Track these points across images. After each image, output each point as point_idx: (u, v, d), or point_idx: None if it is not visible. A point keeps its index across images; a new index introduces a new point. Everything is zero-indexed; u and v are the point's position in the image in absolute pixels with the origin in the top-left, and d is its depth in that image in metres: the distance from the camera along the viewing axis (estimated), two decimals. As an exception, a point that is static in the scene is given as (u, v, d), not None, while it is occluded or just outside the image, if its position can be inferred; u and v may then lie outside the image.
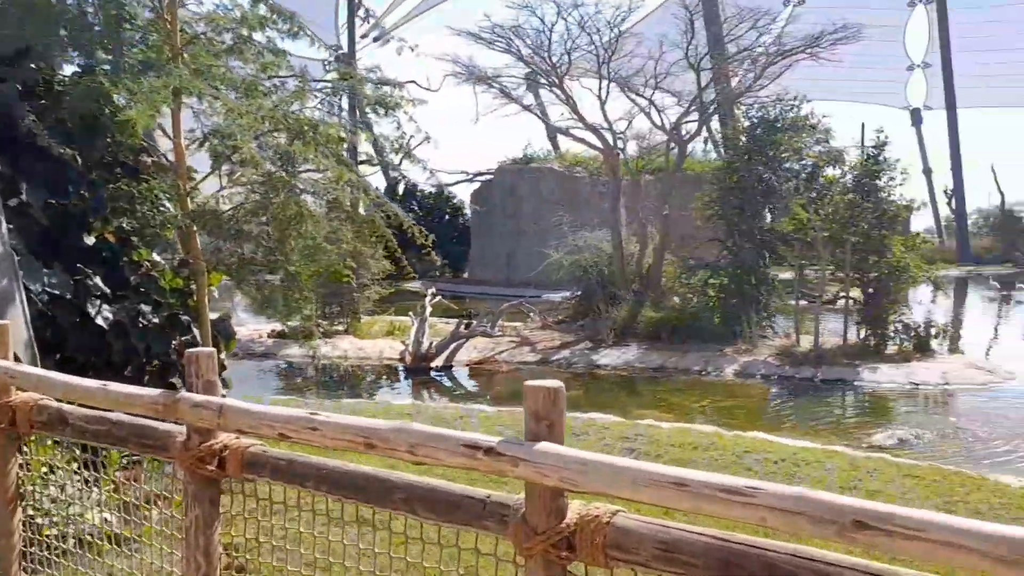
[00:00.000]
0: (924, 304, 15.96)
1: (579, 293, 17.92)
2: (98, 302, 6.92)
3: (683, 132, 17.37)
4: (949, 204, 50.90)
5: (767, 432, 8.81)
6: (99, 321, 6.85)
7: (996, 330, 20.67)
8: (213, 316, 7.90)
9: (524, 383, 2.12)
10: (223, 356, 7.98)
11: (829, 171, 16.21)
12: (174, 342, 7.55)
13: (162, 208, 7.21)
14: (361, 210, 9.60)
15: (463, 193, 37.47)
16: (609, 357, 14.38)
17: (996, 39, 54.63)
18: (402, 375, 13.97)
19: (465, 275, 35.52)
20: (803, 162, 16.99)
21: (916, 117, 57.53)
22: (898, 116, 58.95)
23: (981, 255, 49.05)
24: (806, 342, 14.38)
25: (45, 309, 6.53)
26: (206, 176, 7.44)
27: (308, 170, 7.57)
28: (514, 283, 29.47)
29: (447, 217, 37.99)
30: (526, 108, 18.03)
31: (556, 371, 13.93)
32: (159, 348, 7.39)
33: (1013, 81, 57.80)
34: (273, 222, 7.25)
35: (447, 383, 13.42)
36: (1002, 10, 54.83)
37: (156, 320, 7.41)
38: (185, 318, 7.64)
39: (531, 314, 17.60)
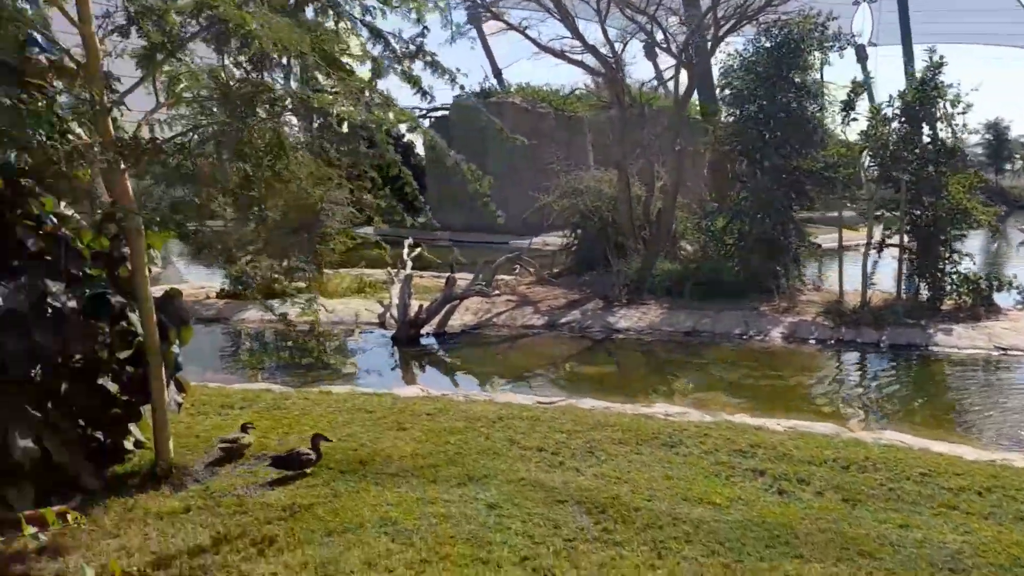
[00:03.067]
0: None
1: (575, 243, 15.69)
2: (-23, 280, 4.39)
3: (692, 54, 15.06)
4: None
5: (906, 432, 6.81)
6: (-21, 311, 4.34)
7: None
8: (155, 292, 5.44)
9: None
10: (176, 351, 5.54)
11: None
12: (101, 335, 5.07)
13: (70, 135, 4.66)
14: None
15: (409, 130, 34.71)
16: (628, 319, 12.22)
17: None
18: (386, 344, 11.56)
19: (420, 220, 33.08)
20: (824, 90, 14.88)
21: (861, 53, 56.20)
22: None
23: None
24: (849, 297, 12.47)
25: None
26: (135, 85, 4.87)
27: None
28: (477, 229, 27.16)
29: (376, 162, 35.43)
30: (512, 27, 15.30)
31: (569, 336, 11.74)
32: (81, 346, 4.90)
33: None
34: (238, 157, 4.78)
35: (446, 357, 11.07)
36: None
37: (72, 303, 4.90)
38: (117, 299, 5.13)
39: (519, 268, 15.27)
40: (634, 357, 10.72)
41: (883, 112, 13.01)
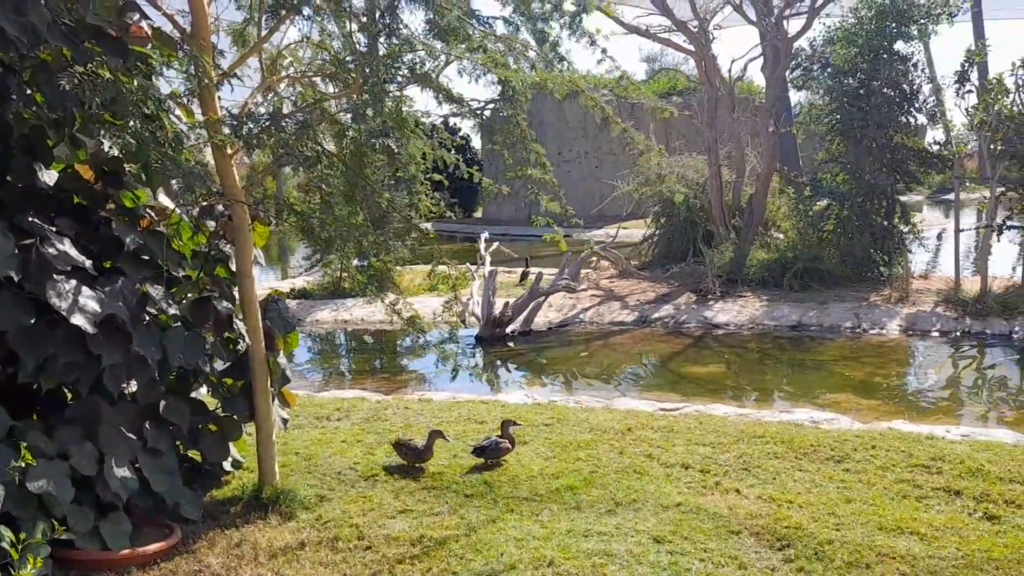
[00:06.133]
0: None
1: (659, 233, 14.87)
2: (72, 285, 3.78)
3: (786, 29, 14.11)
4: None
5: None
6: (78, 320, 3.73)
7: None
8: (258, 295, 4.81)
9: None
10: (282, 362, 4.91)
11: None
12: (207, 345, 4.46)
13: (173, 115, 4.04)
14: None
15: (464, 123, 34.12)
16: (726, 312, 11.38)
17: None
18: (468, 344, 10.90)
19: (477, 215, 32.48)
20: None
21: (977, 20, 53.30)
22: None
23: None
24: (967, 284, 11.47)
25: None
26: (247, 54, 4.23)
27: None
28: (523, 222, 26.40)
29: (451, 150, 35.01)
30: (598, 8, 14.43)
31: (664, 333, 10.95)
32: (185, 358, 4.29)
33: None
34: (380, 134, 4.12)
35: (537, 357, 10.30)
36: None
37: (174, 310, 4.29)
38: (224, 305, 4.51)
39: (596, 261, 14.45)
40: (741, 355, 9.89)
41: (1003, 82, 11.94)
